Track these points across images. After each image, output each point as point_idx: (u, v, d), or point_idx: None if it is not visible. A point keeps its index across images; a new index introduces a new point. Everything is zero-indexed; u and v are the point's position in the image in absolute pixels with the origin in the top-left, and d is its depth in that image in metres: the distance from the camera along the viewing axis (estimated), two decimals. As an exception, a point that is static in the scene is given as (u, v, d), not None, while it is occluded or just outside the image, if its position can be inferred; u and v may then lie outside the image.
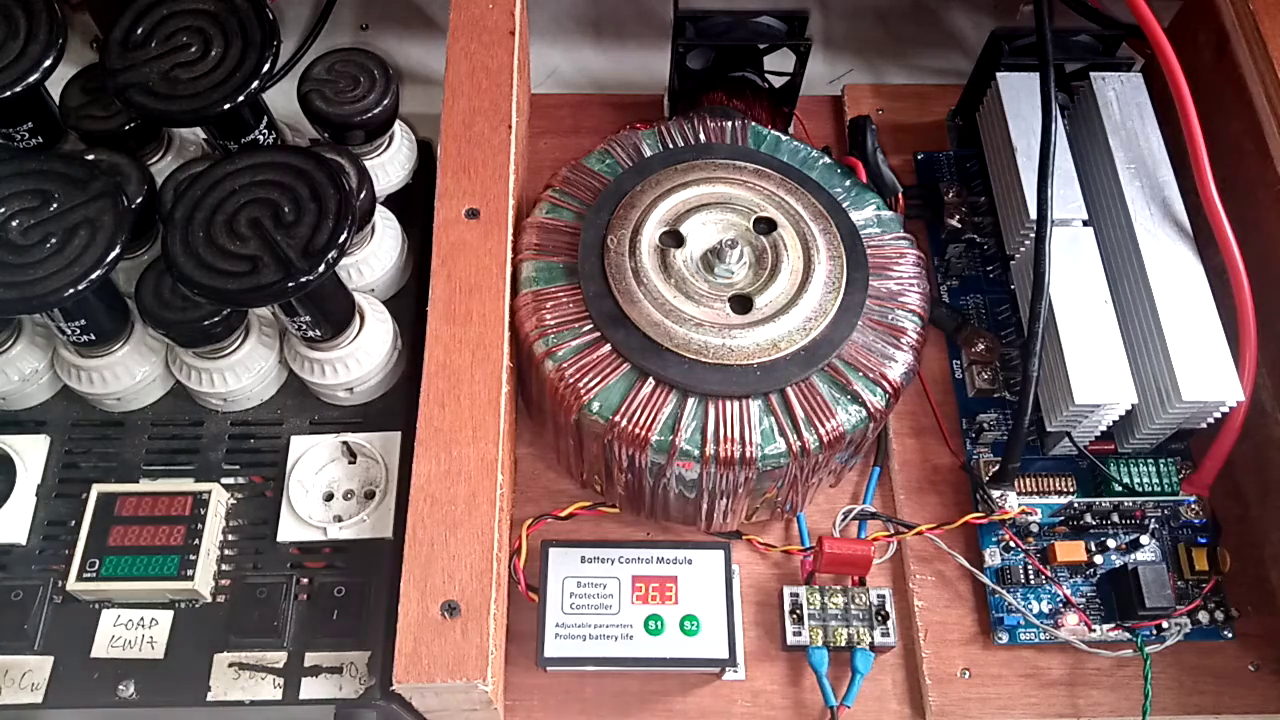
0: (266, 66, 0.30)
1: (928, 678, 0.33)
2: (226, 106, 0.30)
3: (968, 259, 0.40)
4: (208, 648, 0.29)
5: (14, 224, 0.28)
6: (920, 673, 0.34)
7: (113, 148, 0.32)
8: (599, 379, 0.31)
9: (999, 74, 0.39)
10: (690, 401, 0.30)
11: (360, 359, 0.31)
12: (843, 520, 0.36)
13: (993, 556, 0.35)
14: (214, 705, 0.28)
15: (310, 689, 0.28)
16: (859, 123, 0.41)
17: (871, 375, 0.31)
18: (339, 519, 0.31)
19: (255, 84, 0.30)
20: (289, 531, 0.30)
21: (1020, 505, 0.35)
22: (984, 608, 0.34)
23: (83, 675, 0.28)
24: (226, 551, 0.30)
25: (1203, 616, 0.34)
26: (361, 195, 0.31)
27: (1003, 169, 0.38)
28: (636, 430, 0.30)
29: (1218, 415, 0.33)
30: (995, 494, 0.35)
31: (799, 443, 0.30)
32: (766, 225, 0.33)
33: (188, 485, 0.31)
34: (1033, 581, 0.35)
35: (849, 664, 0.33)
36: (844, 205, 0.34)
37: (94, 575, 0.29)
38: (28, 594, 0.29)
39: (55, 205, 0.28)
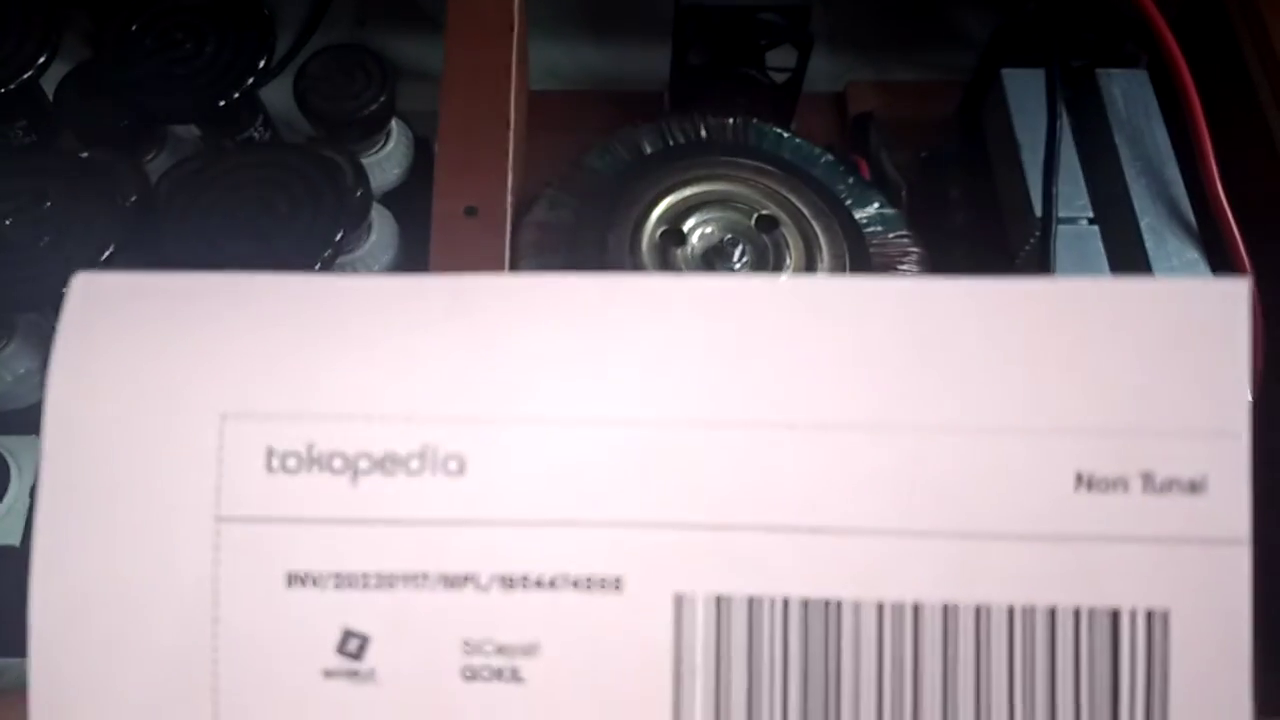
0: (262, 63, 0.30)
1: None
2: (222, 104, 0.30)
3: (972, 258, 0.40)
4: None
5: (8, 222, 0.28)
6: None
7: (108, 146, 0.32)
8: (599, 379, 0.30)
9: (1004, 71, 0.39)
10: (691, 402, 0.30)
11: (358, 359, 0.31)
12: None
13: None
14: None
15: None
16: (862, 120, 0.40)
17: (874, 375, 0.31)
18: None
19: (251, 81, 0.30)
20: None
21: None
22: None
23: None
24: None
25: (1209, 618, 0.34)
26: (358, 193, 0.31)
27: (1007, 166, 0.38)
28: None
29: (1224, 415, 0.33)
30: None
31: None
32: (768, 223, 0.33)
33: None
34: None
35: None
36: (847, 203, 0.34)
37: (88, 578, 0.29)
38: (22, 596, 0.29)
39: (49, 204, 0.28)
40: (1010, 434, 0.15)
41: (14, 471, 0.31)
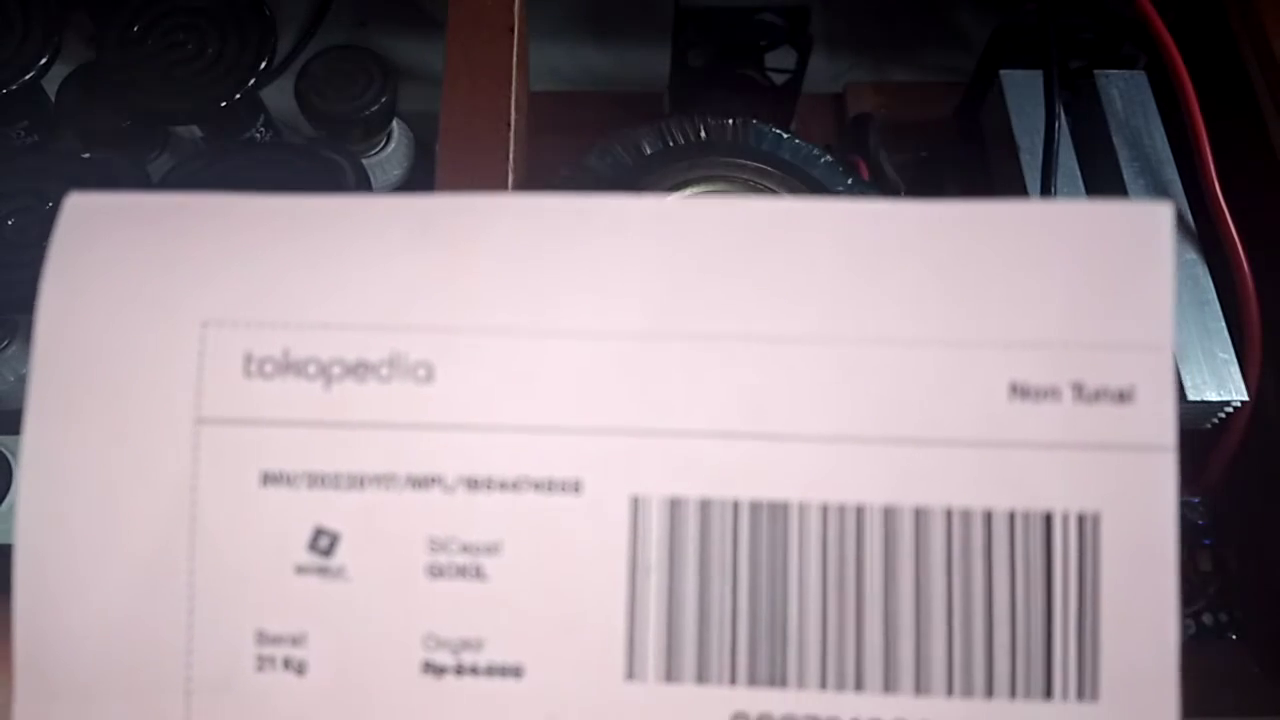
0: (264, 64, 0.30)
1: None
2: (223, 104, 0.30)
3: (970, 258, 0.40)
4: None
5: (9, 223, 0.28)
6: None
7: (109, 146, 0.32)
8: (599, 379, 0.30)
9: (1002, 72, 0.39)
10: (691, 402, 0.30)
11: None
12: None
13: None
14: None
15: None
16: (861, 120, 0.40)
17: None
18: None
19: (252, 81, 0.30)
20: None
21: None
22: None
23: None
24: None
25: (1206, 618, 0.34)
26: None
27: (1006, 167, 0.38)
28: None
29: (1222, 415, 0.33)
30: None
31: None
32: (768, 224, 0.33)
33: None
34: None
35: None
36: (846, 204, 0.34)
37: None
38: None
39: (51, 204, 0.28)
40: (947, 346, 0.15)
41: (15, 470, 0.31)
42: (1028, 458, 0.15)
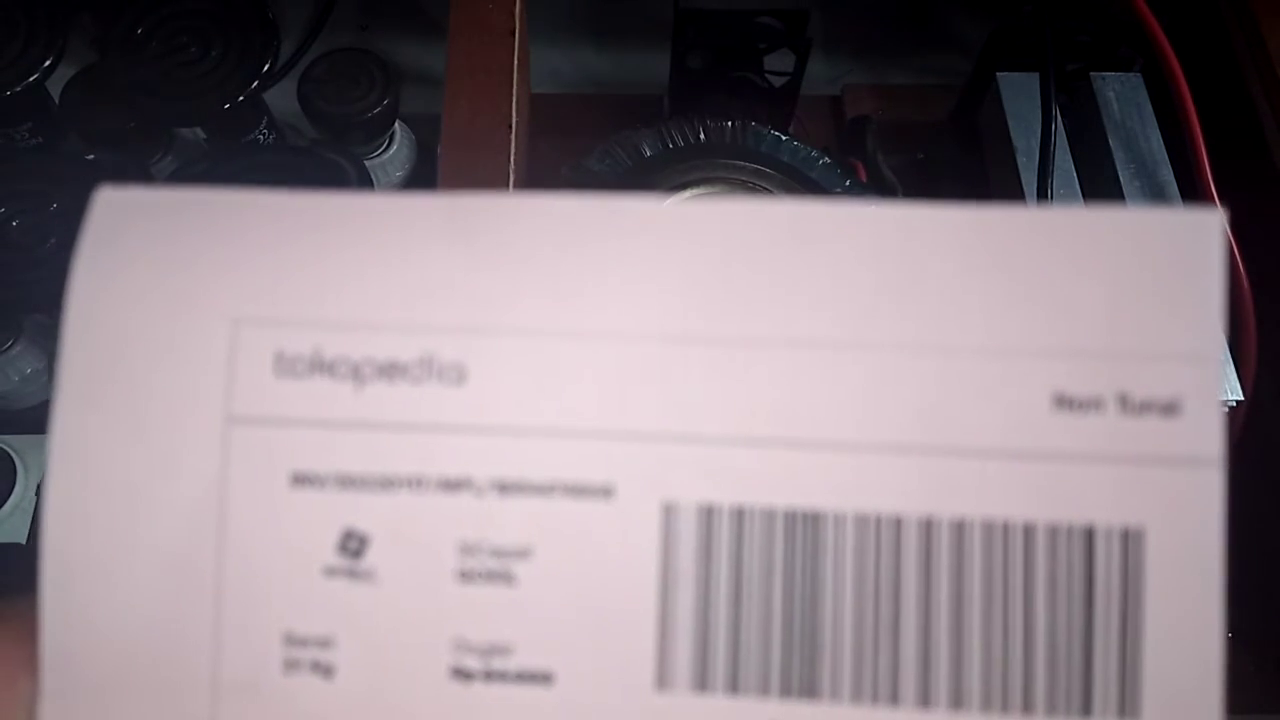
0: (266, 66, 0.30)
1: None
2: (227, 107, 0.30)
3: (968, 259, 0.40)
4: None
5: (14, 224, 0.28)
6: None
7: (113, 148, 0.32)
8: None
9: (999, 74, 0.39)
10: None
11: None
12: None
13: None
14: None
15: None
16: (858, 123, 0.41)
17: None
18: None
19: (255, 84, 0.30)
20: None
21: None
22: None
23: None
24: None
25: (1203, 616, 0.34)
26: (361, 195, 0.31)
27: (1003, 169, 0.38)
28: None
29: (1218, 415, 0.33)
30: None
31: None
32: (766, 225, 0.33)
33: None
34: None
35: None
36: (844, 205, 0.34)
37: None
38: (29, 594, 0.29)
39: (55, 205, 0.28)
40: (988, 354, 0.15)
41: (20, 471, 0.31)
42: (1070, 470, 0.15)
